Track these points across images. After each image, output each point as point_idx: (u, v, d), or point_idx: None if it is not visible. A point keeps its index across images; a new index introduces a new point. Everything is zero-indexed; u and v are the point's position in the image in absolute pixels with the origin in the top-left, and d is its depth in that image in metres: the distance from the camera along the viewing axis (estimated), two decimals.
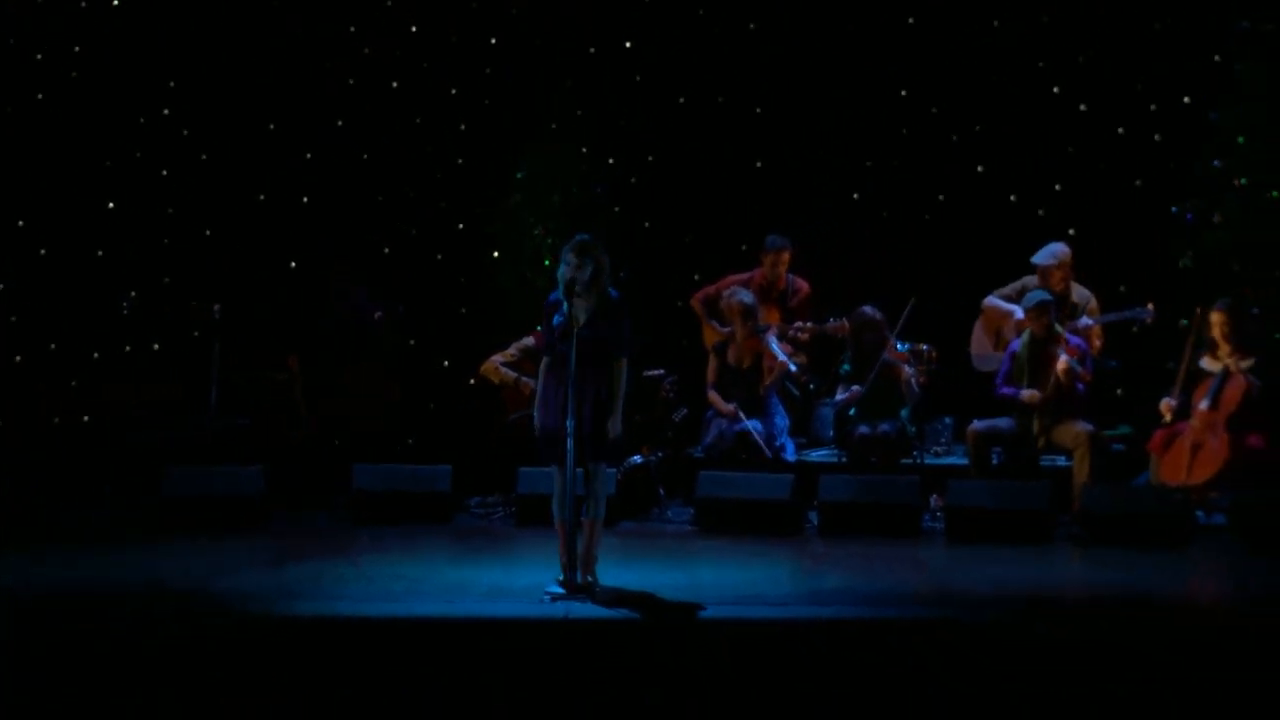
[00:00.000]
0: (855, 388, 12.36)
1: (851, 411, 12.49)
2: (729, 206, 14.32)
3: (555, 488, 9.21)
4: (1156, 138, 13.77)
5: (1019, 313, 12.40)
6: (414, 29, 14.37)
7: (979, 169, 14.26)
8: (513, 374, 12.53)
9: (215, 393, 12.67)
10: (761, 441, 12.07)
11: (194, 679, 7.44)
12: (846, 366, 12.60)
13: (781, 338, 12.66)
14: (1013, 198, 14.23)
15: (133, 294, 13.75)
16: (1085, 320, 12.41)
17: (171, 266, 14.01)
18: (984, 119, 14.18)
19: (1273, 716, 6.99)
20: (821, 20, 14.22)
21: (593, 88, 14.14)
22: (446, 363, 14.21)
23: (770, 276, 12.99)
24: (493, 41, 14.38)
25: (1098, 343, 12.41)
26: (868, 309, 12.55)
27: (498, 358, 12.65)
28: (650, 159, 14.54)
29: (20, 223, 13.92)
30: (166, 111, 14.18)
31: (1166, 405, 11.92)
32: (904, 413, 12.47)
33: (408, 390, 13.82)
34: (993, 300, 12.90)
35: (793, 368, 12.45)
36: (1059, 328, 11.94)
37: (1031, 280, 12.57)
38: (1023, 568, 10.43)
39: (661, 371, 12.85)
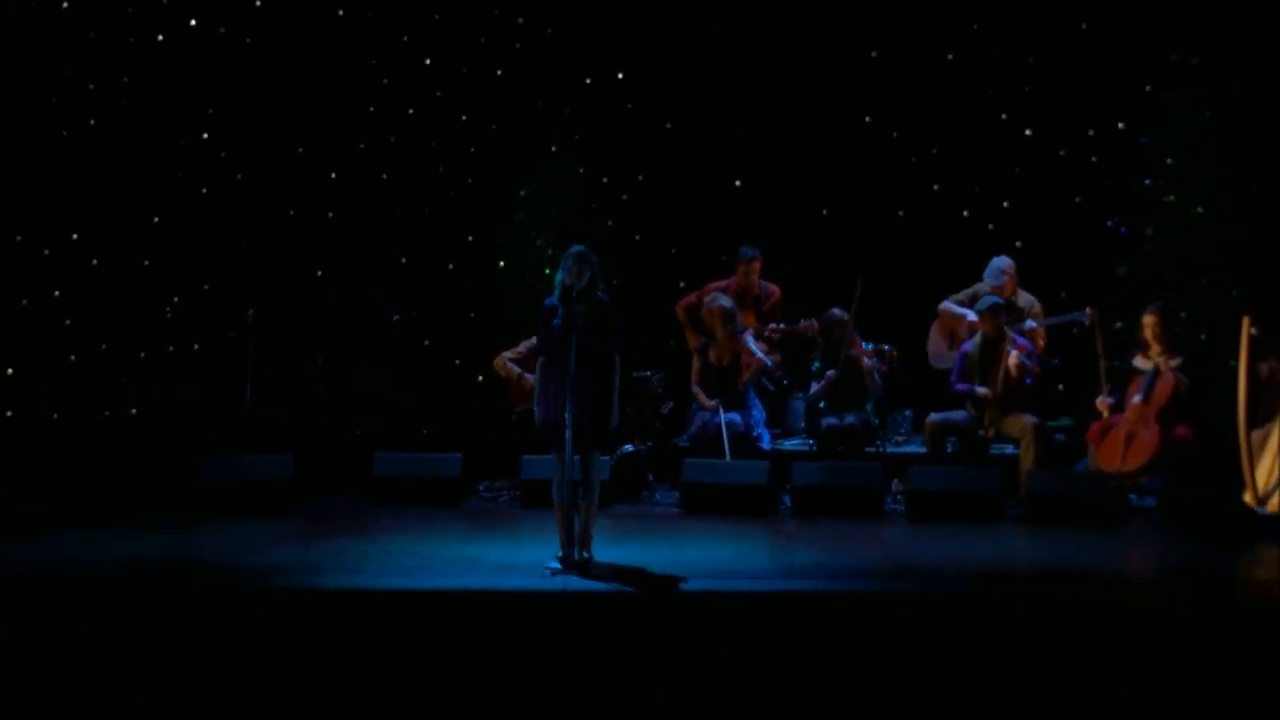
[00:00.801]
0: (830, 373, 12.40)
1: (822, 404, 12.53)
2: (711, 220, 14.32)
3: (554, 473, 9.22)
4: (1094, 159, 13.80)
5: (971, 316, 12.44)
6: (428, 62, 14.37)
7: (935, 187, 14.26)
8: (517, 370, 12.52)
9: (249, 388, 12.67)
10: (726, 439, 12.06)
11: (227, 645, 7.44)
12: (817, 364, 12.64)
13: (757, 337, 12.67)
14: (965, 213, 14.24)
15: (175, 299, 13.74)
16: (1030, 323, 12.44)
17: (210, 275, 13.99)
18: (939, 143, 14.20)
19: (1195, 675, 7.00)
20: (792, 55, 14.23)
21: (589, 115, 14.13)
22: (457, 361, 14.20)
23: (744, 283, 12.99)
24: (499, 73, 14.38)
25: (1041, 343, 12.45)
26: (836, 311, 12.58)
27: (508, 354, 12.65)
28: (640, 178, 14.54)
29: (75, 236, 13.89)
30: (205, 136, 14.16)
31: (1103, 403, 11.97)
32: (868, 406, 12.52)
33: (422, 385, 13.80)
34: (947, 305, 12.93)
35: (768, 363, 12.49)
36: (1007, 329, 11.99)
37: (983, 287, 12.62)
38: (975, 545, 10.43)
39: (649, 372, 12.85)
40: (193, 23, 14.02)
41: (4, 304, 13.63)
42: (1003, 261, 12.67)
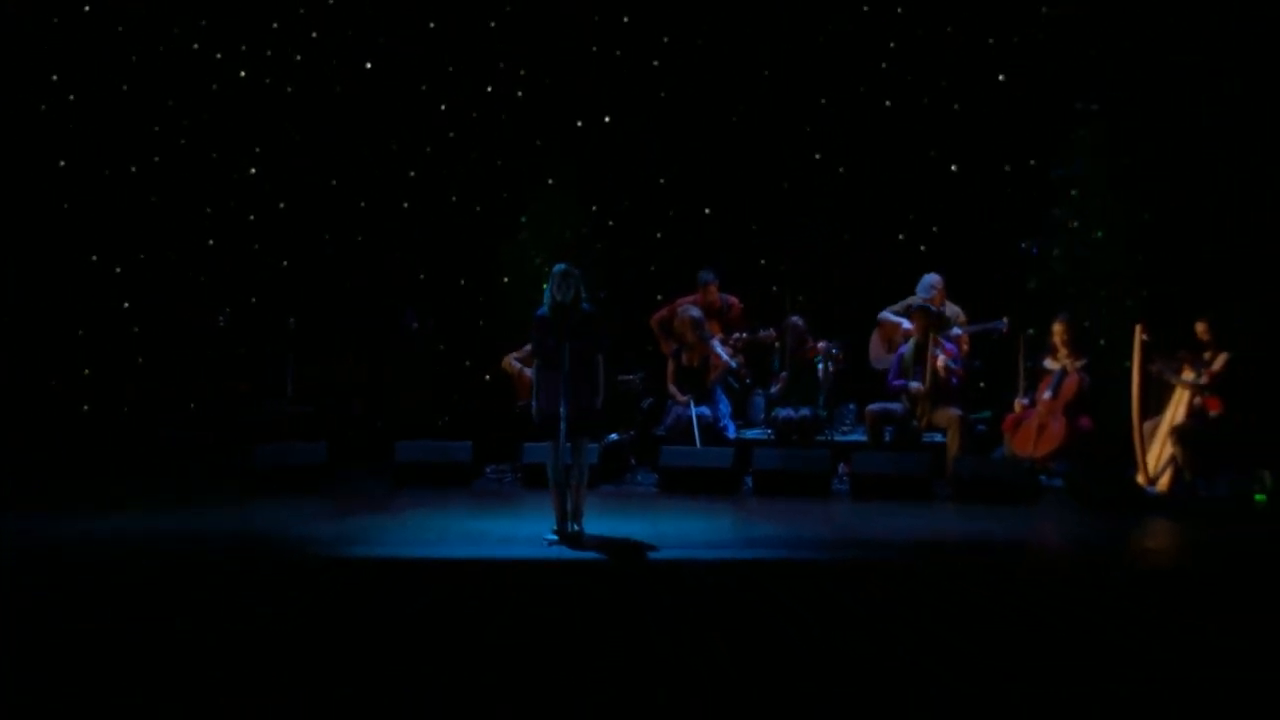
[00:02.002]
0: (783, 374, 12.52)
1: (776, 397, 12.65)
2: (684, 242, 14.35)
3: (550, 458, 9.24)
4: (1009, 190, 13.81)
5: (906, 324, 12.49)
6: (443, 107, 14.38)
7: (875, 214, 14.28)
8: (518, 366, 12.54)
9: (290, 386, 12.67)
10: (696, 429, 12.11)
11: (271, 604, 7.44)
12: (777, 363, 12.70)
13: (722, 344, 12.72)
14: (901, 236, 14.27)
15: (227, 309, 13.79)
16: (956, 330, 12.48)
17: (257, 290, 14.00)
18: (879, 176, 14.21)
19: (1094, 628, 7.03)
20: (750, 105, 14.27)
21: (580, 152, 14.14)
22: (467, 362, 14.19)
23: (705, 300, 13.02)
24: (503, 117, 14.39)
25: (965, 348, 12.48)
26: (794, 319, 12.68)
27: (513, 355, 12.65)
28: (626, 204, 14.54)
29: (141, 255, 13.90)
30: (253, 171, 14.17)
31: (1019, 404, 12.03)
32: (819, 398, 12.58)
33: (437, 383, 13.78)
34: (886, 315, 12.96)
35: (733, 365, 12.54)
36: (934, 334, 12.04)
37: (916, 300, 12.64)
38: (909, 519, 10.45)
39: (632, 377, 12.83)
40: (242, 74, 14.04)
41: (83, 314, 13.64)
42: (933, 278, 12.72)
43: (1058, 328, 11.99)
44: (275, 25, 14.11)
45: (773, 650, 6.57)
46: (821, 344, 12.53)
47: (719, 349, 12.49)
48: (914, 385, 12.02)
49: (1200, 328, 11.19)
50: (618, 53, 14.41)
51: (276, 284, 14.05)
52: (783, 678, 6.15)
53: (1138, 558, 9.30)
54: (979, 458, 11.89)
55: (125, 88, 13.79)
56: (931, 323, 12.12)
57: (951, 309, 12.73)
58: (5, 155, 13.30)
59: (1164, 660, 6.51)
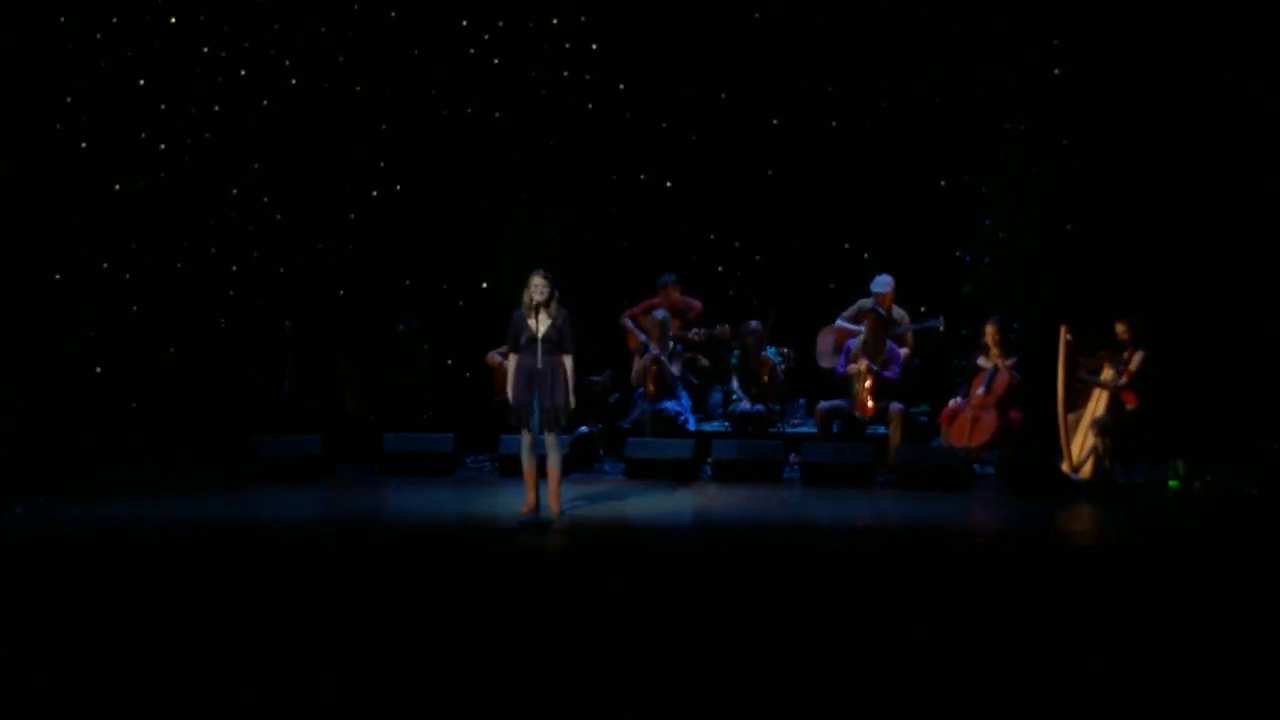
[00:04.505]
0: (751, 405, 12.51)
1: (734, 393, 12.62)
2: (650, 253, 14.31)
3: (523, 447, 9.25)
4: (945, 204, 13.83)
5: (859, 328, 12.49)
6: (427, 127, 14.34)
7: (823, 225, 14.27)
8: (499, 360, 12.52)
9: (288, 383, 12.62)
10: (648, 424, 12.15)
11: (274, 581, 7.41)
12: (735, 358, 12.70)
13: (681, 340, 12.83)
14: (847, 245, 14.26)
15: (228, 315, 13.76)
16: (899, 328, 12.54)
17: (258, 295, 13.94)
18: (827, 191, 14.18)
19: (1022, 600, 7.05)
20: (710, 127, 14.27)
21: (555, 172, 14.09)
22: (449, 361, 14.12)
23: (668, 301, 13.05)
24: (484, 136, 14.34)
25: (908, 350, 12.53)
26: (753, 323, 12.66)
27: (496, 350, 12.62)
28: (596, 218, 14.50)
29: (149, 263, 13.83)
30: (253, 185, 14.13)
31: (954, 403, 12.04)
32: (775, 393, 12.60)
33: (422, 380, 13.68)
34: (841, 323, 12.93)
35: (674, 371, 12.60)
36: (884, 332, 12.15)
37: (866, 302, 12.68)
38: (854, 504, 10.51)
39: (598, 378, 12.76)
40: (242, 97, 14.00)
41: (98, 319, 13.56)
42: (886, 278, 12.73)
43: (990, 329, 12.00)
44: (273, 52, 14.07)
45: (726, 621, 6.55)
46: (767, 351, 12.55)
47: (667, 363, 12.54)
48: (851, 368, 12.09)
49: (1120, 328, 11.22)
50: (586, 77, 14.40)
51: (274, 289, 13.98)
52: (737, 646, 6.13)
53: (1063, 538, 9.34)
54: (918, 447, 11.92)
55: (134, 113, 13.75)
56: (880, 323, 12.18)
57: (898, 312, 12.77)
58: (29, 176, 13.24)
59: (1085, 629, 6.50)
